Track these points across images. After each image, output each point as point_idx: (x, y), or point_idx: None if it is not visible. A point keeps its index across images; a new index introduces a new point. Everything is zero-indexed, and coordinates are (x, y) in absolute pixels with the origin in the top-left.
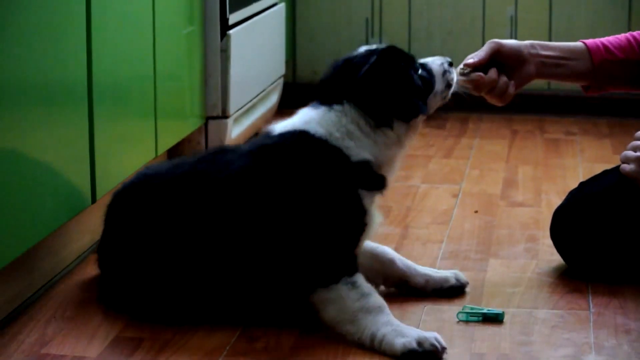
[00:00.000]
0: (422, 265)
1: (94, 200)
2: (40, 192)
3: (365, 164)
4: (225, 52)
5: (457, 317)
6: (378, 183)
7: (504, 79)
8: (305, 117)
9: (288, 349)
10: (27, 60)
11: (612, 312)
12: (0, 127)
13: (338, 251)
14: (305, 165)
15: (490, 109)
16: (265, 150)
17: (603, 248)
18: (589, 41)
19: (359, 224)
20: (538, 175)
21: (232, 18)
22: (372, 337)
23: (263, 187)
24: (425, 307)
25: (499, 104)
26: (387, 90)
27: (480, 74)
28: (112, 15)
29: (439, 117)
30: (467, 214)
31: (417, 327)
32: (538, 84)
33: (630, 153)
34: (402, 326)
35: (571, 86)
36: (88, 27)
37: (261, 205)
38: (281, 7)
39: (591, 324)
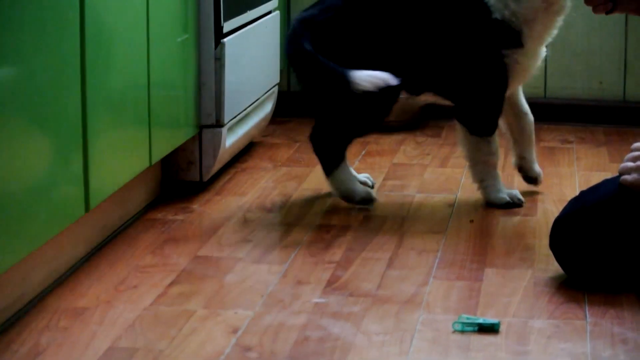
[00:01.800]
0: (417, 276)
1: (87, 209)
2: (34, 202)
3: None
4: (219, 61)
5: (453, 327)
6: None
7: None
8: None
9: (282, 359)
10: (21, 68)
11: (609, 321)
12: None
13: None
14: None
15: None
16: None
17: (603, 257)
18: None
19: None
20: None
21: (227, 26)
22: (479, 183)
23: None
24: (421, 317)
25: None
26: None
27: None
28: (106, 23)
29: (435, 125)
30: (462, 223)
31: (413, 337)
32: (533, 92)
33: (630, 164)
34: (500, 182)
35: (566, 94)
36: (82, 34)
37: None
38: (276, 15)
39: (588, 333)
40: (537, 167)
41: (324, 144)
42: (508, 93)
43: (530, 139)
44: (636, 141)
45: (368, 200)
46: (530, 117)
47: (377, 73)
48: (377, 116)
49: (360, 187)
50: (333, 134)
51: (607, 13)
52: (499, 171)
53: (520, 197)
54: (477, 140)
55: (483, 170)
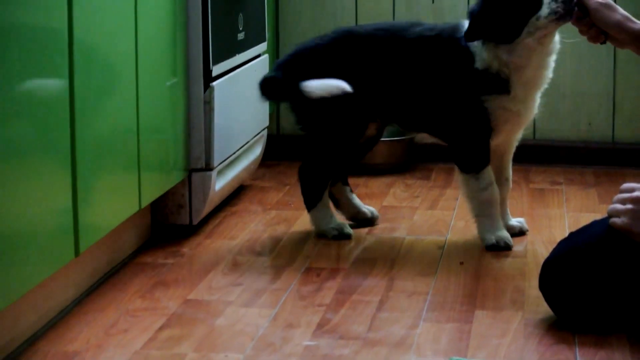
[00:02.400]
0: (407, 319)
1: (77, 253)
2: (24, 245)
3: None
4: (208, 104)
5: None
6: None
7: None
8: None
9: None
10: (10, 112)
11: None
12: None
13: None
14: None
15: None
16: None
17: (592, 299)
18: None
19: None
20: None
21: (216, 69)
22: (475, 218)
23: None
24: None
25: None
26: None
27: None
28: (95, 67)
29: (424, 167)
30: (452, 265)
31: None
32: (523, 133)
33: (619, 206)
34: (496, 222)
35: (555, 135)
36: (71, 78)
37: None
38: (265, 59)
39: None
40: (514, 222)
41: (306, 181)
42: (500, 138)
43: (504, 203)
44: (625, 182)
45: (341, 236)
46: (509, 184)
47: (330, 81)
48: (350, 155)
49: (333, 225)
50: (313, 173)
51: (601, 43)
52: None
53: (509, 241)
54: (465, 177)
55: (477, 206)
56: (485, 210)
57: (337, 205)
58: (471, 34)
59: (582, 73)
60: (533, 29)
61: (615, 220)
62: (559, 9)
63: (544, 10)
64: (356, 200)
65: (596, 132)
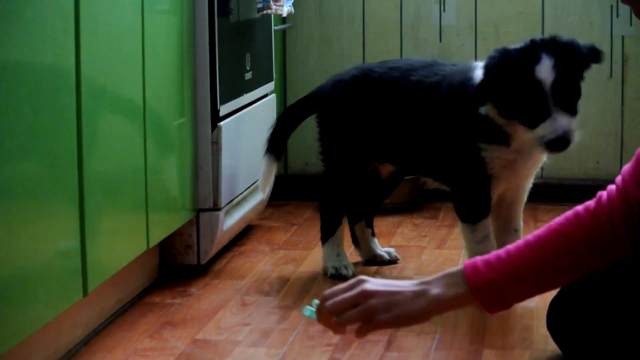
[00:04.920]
0: (415, 358)
1: (85, 293)
2: (32, 285)
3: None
4: (216, 144)
5: None
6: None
7: None
8: None
9: None
10: (17, 151)
11: None
12: None
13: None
14: None
15: None
16: None
17: (600, 337)
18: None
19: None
20: None
21: (223, 109)
22: None
23: None
24: None
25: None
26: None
27: None
28: (103, 107)
29: (431, 207)
30: None
31: None
32: None
33: None
34: None
35: (563, 174)
36: (78, 117)
37: None
38: (272, 98)
39: None
40: None
41: (321, 215)
42: (501, 187)
43: None
44: None
45: (338, 276)
46: (519, 235)
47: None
48: (366, 195)
49: (335, 263)
50: (326, 208)
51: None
52: None
53: None
54: (463, 226)
55: (470, 257)
56: None
57: (357, 245)
58: (480, 99)
59: (589, 111)
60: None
61: None
62: (548, 145)
63: (538, 131)
64: (374, 243)
65: (604, 170)
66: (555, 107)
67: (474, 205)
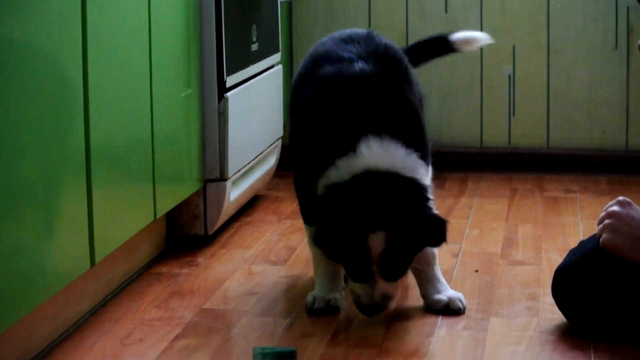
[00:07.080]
0: (422, 327)
1: (92, 264)
2: (39, 256)
3: None
4: (223, 115)
5: None
6: None
7: None
8: None
9: None
10: (25, 124)
11: None
12: None
13: None
14: None
15: (489, 168)
16: None
17: (605, 306)
18: None
19: None
20: (538, 234)
21: (230, 80)
22: None
23: None
24: None
25: None
26: None
27: None
28: (109, 80)
29: (438, 176)
30: (467, 273)
31: None
32: (536, 142)
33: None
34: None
35: (569, 144)
36: (85, 90)
37: None
38: (279, 69)
39: None
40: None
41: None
42: None
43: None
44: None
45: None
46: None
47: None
48: None
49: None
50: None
51: None
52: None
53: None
54: None
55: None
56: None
57: None
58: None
59: (595, 82)
60: None
61: (602, 238)
62: (360, 308)
63: (356, 288)
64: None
65: (609, 141)
66: (378, 275)
67: None
